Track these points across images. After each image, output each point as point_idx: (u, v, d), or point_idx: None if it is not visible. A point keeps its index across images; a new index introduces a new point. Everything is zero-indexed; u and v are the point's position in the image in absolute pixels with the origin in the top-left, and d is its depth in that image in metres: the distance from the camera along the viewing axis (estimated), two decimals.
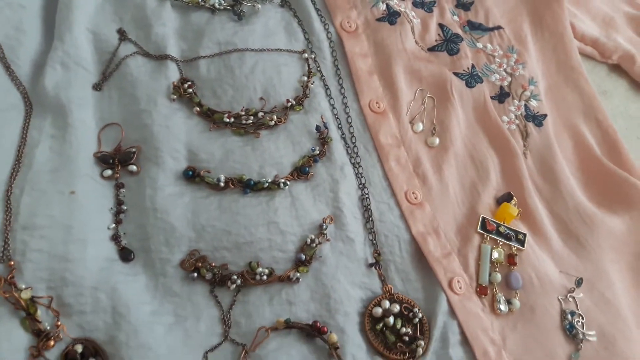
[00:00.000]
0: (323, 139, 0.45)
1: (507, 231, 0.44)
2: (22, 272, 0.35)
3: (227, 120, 0.44)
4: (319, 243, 0.41)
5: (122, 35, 0.46)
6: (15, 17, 0.42)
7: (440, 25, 0.53)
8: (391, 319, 0.39)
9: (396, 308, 0.40)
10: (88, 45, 0.45)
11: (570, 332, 0.42)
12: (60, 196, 0.38)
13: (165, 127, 0.42)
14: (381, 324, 0.39)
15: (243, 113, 0.44)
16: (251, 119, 0.44)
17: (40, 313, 0.35)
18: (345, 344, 0.38)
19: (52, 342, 0.34)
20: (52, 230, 0.37)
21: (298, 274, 0.39)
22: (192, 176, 0.41)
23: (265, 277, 0.39)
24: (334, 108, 0.47)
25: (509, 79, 0.52)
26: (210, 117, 0.44)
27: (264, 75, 0.46)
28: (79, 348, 0.35)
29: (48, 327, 0.35)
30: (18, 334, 0.34)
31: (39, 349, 0.34)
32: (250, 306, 0.39)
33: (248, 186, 0.41)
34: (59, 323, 0.35)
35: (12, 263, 0.35)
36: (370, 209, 0.43)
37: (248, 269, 0.39)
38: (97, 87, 0.44)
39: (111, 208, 0.40)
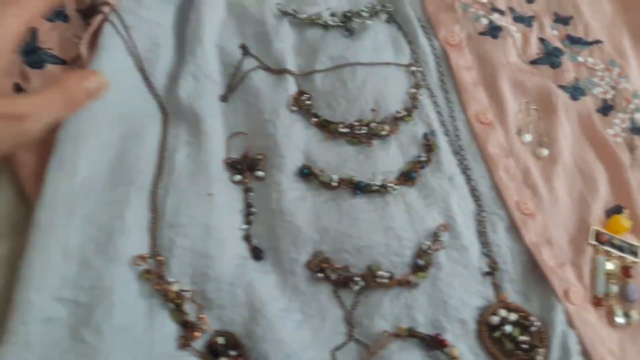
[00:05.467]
0: (429, 146, 0.46)
1: (620, 243, 0.44)
2: (169, 268, 0.38)
3: (343, 130, 0.46)
4: (436, 249, 0.42)
5: (245, 50, 0.49)
6: (153, 34, 0.46)
7: (541, 39, 0.53)
8: (508, 327, 0.40)
9: (512, 317, 0.40)
10: (215, 59, 0.48)
11: None
12: (199, 197, 0.41)
13: (287, 136, 0.45)
14: (498, 332, 0.40)
15: (357, 124, 0.46)
16: (364, 129, 0.46)
17: (187, 306, 0.38)
18: (462, 350, 0.39)
19: (198, 333, 0.37)
20: (194, 228, 0.40)
21: (417, 279, 0.41)
22: (307, 174, 0.44)
23: (386, 280, 0.40)
24: (441, 116, 0.48)
25: (612, 92, 0.52)
26: (326, 127, 0.46)
27: (374, 87, 0.48)
28: (221, 340, 0.37)
29: (193, 319, 0.37)
30: (169, 325, 0.37)
31: (187, 338, 0.37)
32: (371, 308, 0.40)
33: (358, 187, 0.43)
34: (202, 316, 0.38)
35: (161, 259, 0.38)
36: (483, 219, 0.44)
37: (369, 272, 0.41)
38: (224, 98, 0.47)
39: (241, 210, 0.43)
